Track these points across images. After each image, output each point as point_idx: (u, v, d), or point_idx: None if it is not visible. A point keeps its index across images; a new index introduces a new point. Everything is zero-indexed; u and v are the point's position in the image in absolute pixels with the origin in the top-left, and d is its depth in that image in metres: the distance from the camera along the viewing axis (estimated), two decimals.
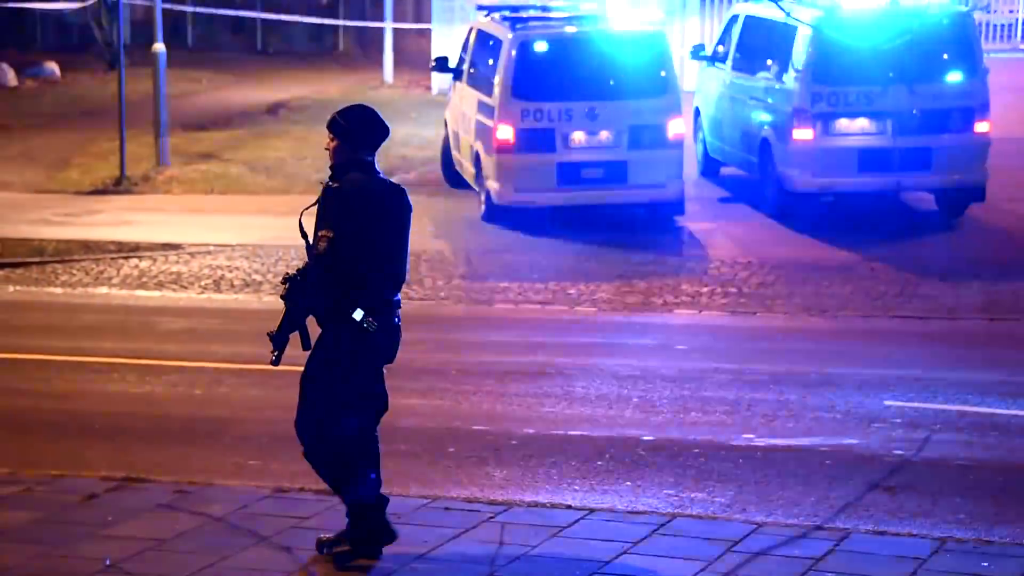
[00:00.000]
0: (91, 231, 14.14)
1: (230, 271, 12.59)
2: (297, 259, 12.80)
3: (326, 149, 6.08)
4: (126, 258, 13.16)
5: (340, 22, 30.47)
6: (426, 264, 12.76)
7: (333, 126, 6.03)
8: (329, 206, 5.91)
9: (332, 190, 5.94)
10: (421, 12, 28.46)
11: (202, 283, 12.29)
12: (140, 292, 12.09)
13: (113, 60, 22.08)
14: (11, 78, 25.15)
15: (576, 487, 7.33)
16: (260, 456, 7.79)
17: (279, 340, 5.96)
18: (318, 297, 5.91)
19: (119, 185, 16.42)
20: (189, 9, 29.38)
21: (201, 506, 6.76)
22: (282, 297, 6.00)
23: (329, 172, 6.04)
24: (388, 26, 26.31)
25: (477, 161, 14.47)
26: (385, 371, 6.14)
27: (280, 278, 6.04)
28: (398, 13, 27.92)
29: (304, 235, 5.99)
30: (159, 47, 17.19)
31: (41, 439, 8.22)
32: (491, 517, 6.64)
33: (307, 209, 6.00)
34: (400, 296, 6.09)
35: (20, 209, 15.23)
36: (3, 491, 7.00)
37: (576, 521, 6.63)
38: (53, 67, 26.42)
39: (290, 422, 8.24)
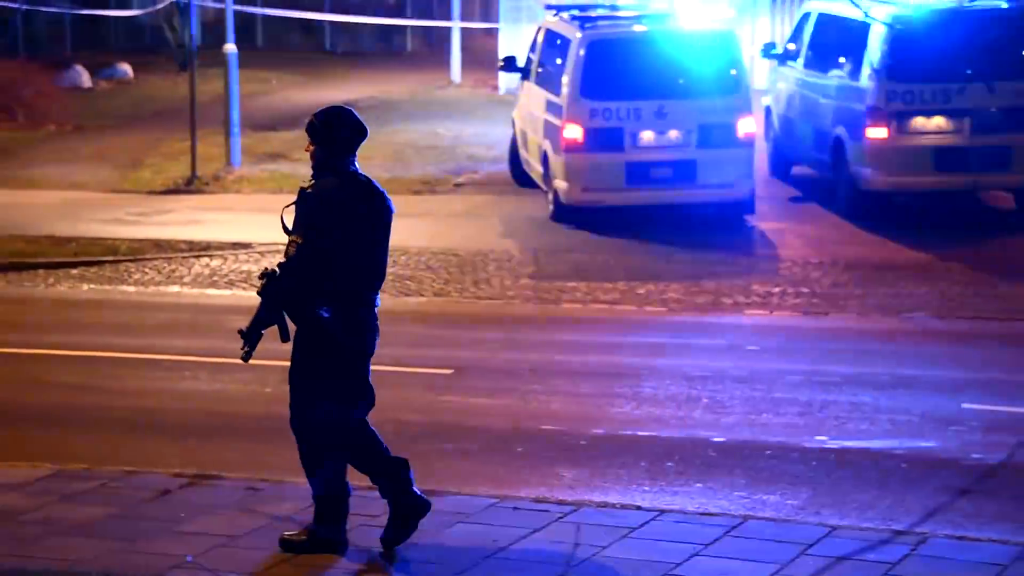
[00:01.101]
0: (163, 230, 14.28)
1: None
2: None
3: (306, 151, 6.16)
4: (197, 257, 13.27)
5: (408, 22, 30.59)
6: (494, 264, 12.74)
7: (310, 129, 6.10)
8: (301, 210, 6.00)
9: (304, 194, 6.02)
10: (489, 11, 28.48)
11: None
12: (211, 291, 12.18)
13: (185, 61, 22.30)
14: (85, 79, 25.50)
15: (646, 488, 7.28)
16: None
17: (251, 336, 6.01)
18: (289, 296, 5.99)
19: (190, 185, 16.57)
20: (259, 11, 29.63)
21: (272, 503, 6.78)
22: (259, 292, 6.07)
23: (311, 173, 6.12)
24: (456, 25, 26.36)
25: (545, 160, 14.43)
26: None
27: (260, 272, 6.14)
28: (466, 13, 27.96)
29: (286, 231, 6.07)
30: (230, 48, 17.33)
31: (115, 435, 8.30)
32: (561, 517, 6.60)
33: (287, 207, 6.07)
34: (378, 295, 6.17)
35: (94, 209, 15.42)
36: (79, 487, 7.07)
37: (647, 522, 6.57)
38: (126, 68, 26.76)
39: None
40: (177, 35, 26.89)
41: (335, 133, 6.05)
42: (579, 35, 13.98)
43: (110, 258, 13.24)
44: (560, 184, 13.97)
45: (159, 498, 6.89)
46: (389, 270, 12.89)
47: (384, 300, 11.54)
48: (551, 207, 14.30)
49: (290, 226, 6.03)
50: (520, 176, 15.94)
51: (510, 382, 9.21)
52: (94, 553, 6.22)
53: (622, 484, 7.34)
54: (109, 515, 6.67)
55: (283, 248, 6.06)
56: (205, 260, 13.15)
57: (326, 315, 5.99)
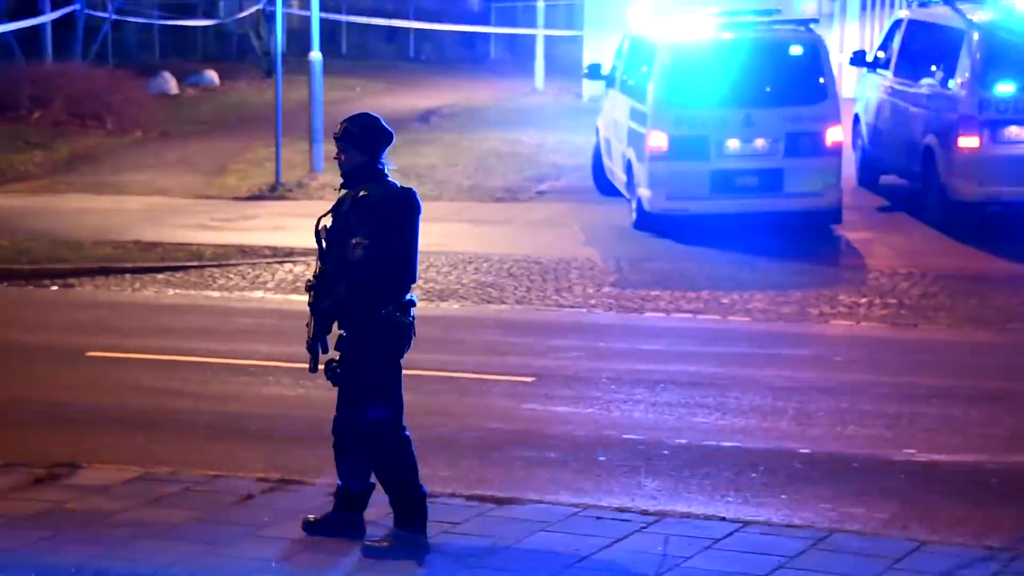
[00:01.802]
0: (247, 236, 14.40)
1: None
2: (447, 266, 12.86)
3: (335, 159, 6.25)
4: (280, 263, 13.36)
5: (492, 29, 30.66)
6: (576, 272, 12.69)
7: (347, 137, 6.18)
8: (359, 215, 6.10)
9: (359, 199, 6.12)
10: (573, 19, 28.45)
11: None
12: (294, 296, 12.25)
13: (270, 68, 22.54)
14: (172, 86, 25.88)
15: (730, 499, 7.18)
16: None
17: (313, 348, 6.24)
18: (348, 301, 6.13)
19: (274, 191, 16.71)
20: (344, 18, 29.89)
21: None
22: (310, 305, 6.23)
23: (342, 180, 6.23)
24: (539, 33, 26.36)
25: (629, 168, 14.35)
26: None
27: (305, 285, 6.37)
28: (549, 20, 27.95)
29: (319, 242, 6.21)
30: (316, 55, 17.46)
31: (199, 439, 8.37)
32: (643, 527, 6.53)
33: (323, 217, 6.20)
34: (415, 296, 6.32)
35: (180, 214, 15.61)
36: (164, 490, 7.12)
37: (731, 533, 6.48)
38: (212, 75, 27.12)
39: (442, 426, 8.27)
40: (263, 43, 27.21)
41: (375, 139, 6.19)
42: (665, 42, 13.89)
43: (195, 263, 13.37)
44: (644, 192, 13.88)
45: (243, 502, 6.92)
46: (471, 276, 12.98)
47: (466, 307, 11.63)
48: (634, 215, 14.21)
49: (324, 237, 6.16)
50: (603, 184, 15.87)
51: (592, 390, 9.15)
52: (178, 556, 6.27)
53: (705, 494, 7.25)
54: (194, 519, 6.72)
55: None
56: (289, 266, 13.24)
57: (384, 313, 6.10)
